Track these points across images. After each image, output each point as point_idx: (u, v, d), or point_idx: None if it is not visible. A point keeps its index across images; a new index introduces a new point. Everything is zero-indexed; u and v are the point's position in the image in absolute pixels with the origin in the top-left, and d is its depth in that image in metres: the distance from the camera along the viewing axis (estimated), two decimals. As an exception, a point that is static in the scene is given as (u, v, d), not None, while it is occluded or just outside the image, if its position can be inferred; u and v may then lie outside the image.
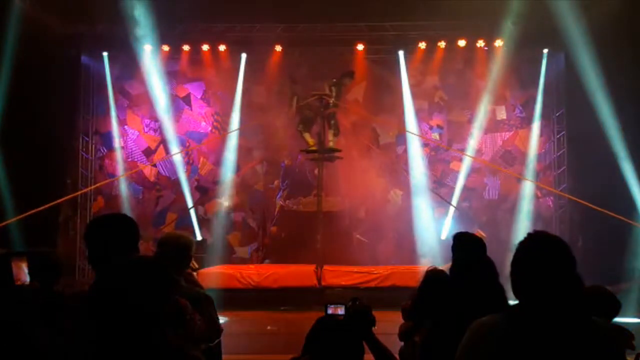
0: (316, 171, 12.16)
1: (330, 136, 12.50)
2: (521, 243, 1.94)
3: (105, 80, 14.48)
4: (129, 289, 1.74)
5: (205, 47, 14.04)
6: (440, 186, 14.28)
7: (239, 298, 10.14)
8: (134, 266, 1.83)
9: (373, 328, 2.68)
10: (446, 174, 14.43)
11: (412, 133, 13.96)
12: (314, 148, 12.30)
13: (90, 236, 2.40)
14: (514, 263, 1.93)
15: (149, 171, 14.56)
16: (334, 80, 12.71)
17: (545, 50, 13.94)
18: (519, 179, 13.58)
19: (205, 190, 14.52)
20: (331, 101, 12.23)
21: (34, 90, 11.40)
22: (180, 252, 3.47)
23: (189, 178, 14.47)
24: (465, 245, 3.43)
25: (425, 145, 14.41)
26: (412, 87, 14.24)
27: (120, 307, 1.71)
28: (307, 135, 12.62)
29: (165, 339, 1.76)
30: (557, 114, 14.08)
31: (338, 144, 12.77)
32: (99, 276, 2.19)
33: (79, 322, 2.10)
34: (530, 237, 1.95)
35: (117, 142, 14.56)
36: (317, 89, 12.49)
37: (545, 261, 1.88)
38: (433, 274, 3.62)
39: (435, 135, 14.55)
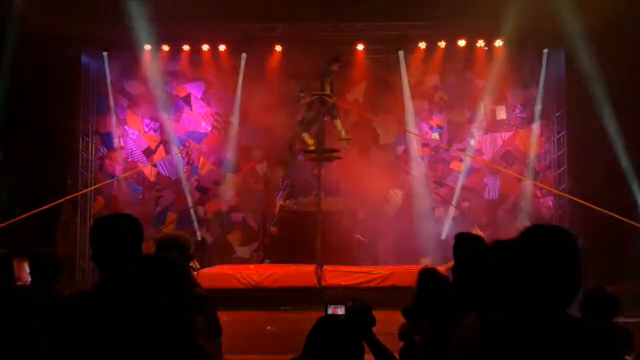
0: (316, 171, 12.15)
1: (339, 126, 12.49)
2: (522, 237, 1.86)
3: (105, 80, 14.48)
4: (150, 286, 1.72)
5: (205, 47, 14.05)
6: (440, 186, 14.28)
7: (239, 298, 10.12)
8: (155, 263, 1.82)
9: (373, 328, 2.69)
10: (446, 174, 14.43)
11: (412, 133, 13.96)
12: (312, 148, 12.28)
13: (95, 235, 2.42)
14: (511, 259, 1.85)
15: (149, 171, 14.56)
16: (323, 71, 12.59)
17: (545, 50, 13.94)
18: (519, 179, 13.57)
19: (205, 190, 14.52)
20: (330, 98, 12.18)
21: (34, 90, 11.40)
22: (179, 251, 3.48)
23: (189, 178, 14.48)
24: (467, 246, 3.43)
25: (425, 145, 14.41)
26: (412, 87, 14.23)
27: (142, 304, 1.70)
28: (305, 136, 12.56)
29: (191, 334, 1.75)
30: (557, 114, 14.08)
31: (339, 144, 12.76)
32: (110, 274, 2.19)
33: (80, 322, 2.10)
34: (532, 230, 1.86)
35: (117, 142, 14.58)
36: (316, 88, 12.46)
37: (551, 256, 1.79)
38: (426, 274, 3.64)
39: (435, 135, 14.54)
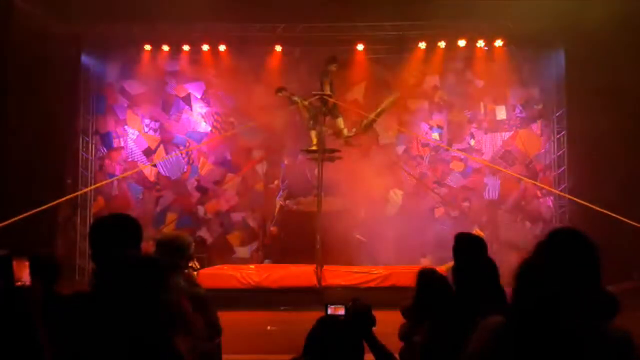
0: (316, 171, 12.14)
1: (341, 124, 12.46)
2: (546, 240, 1.88)
3: (105, 80, 14.51)
4: (126, 287, 1.72)
5: (205, 47, 14.05)
6: (440, 186, 14.28)
7: (239, 298, 10.13)
8: (128, 263, 1.81)
9: (373, 328, 2.69)
10: (446, 174, 14.43)
11: (412, 133, 13.96)
12: (314, 148, 12.27)
13: (95, 235, 2.42)
14: (533, 264, 1.88)
15: (149, 171, 14.57)
16: (322, 72, 12.52)
17: (546, 50, 13.94)
18: (519, 179, 13.56)
19: (205, 190, 14.52)
20: (330, 98, 12.16)
21: (33, 90, 11.40)
22: (178, 251, 3.48)
23: (189, 178, 14.49)
24: (466, 246, 3.43)
25: (425, 145, 14.42)
26: (412, 87, 14.23)
27: (121, 306, 1.70)
28: (313, 133, 12.49)
29: (169, 341, 1.75)
30: (557, 114, 14.08)
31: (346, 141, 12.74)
32: (101, 275, 2.19)
33: (80, 322, 2.10)
34: (556, 234, 1.89)
35: (117, 142, 14.59)
36: (315, 88, 12.44)
37: (570, 259, 1.83)
38: (425, 274, 3.64)
39: (435, 135, 14.54)
